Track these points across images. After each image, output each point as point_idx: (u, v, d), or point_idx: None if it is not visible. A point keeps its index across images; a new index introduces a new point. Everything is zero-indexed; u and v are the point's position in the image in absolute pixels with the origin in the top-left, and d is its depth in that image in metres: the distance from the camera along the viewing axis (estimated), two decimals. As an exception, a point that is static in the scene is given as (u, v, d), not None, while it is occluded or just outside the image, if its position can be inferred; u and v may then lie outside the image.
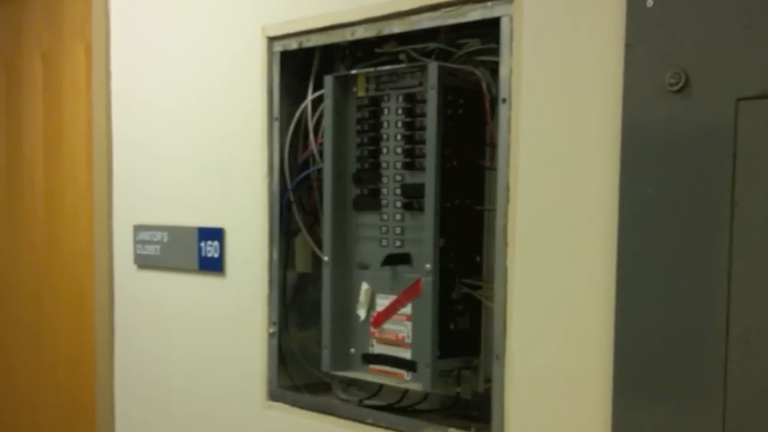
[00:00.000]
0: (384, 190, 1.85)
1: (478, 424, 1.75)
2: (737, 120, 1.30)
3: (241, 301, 2.20)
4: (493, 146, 1.73)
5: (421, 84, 1.77)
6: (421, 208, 1.76)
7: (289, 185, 2.08)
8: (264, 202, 2.10)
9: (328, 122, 1.90)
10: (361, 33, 1.87)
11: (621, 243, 1.43)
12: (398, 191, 1.82)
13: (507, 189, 1.61)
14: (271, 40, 2.06)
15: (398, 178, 1.82)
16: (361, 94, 1.88)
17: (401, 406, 1.90)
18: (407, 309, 1.80)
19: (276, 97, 2.07)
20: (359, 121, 1.88)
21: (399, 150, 1.81)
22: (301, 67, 2.07)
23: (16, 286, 3.13)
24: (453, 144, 1.74)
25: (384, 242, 1.85)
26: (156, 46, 2.45)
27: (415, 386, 1.79)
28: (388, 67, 1.83)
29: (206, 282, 2.31)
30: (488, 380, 1.73)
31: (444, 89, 1.72)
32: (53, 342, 3.00)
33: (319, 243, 2.05)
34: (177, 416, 2.44)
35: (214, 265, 2.27)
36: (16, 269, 3.12)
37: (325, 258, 1.91)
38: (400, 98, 1.81)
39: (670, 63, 1.36)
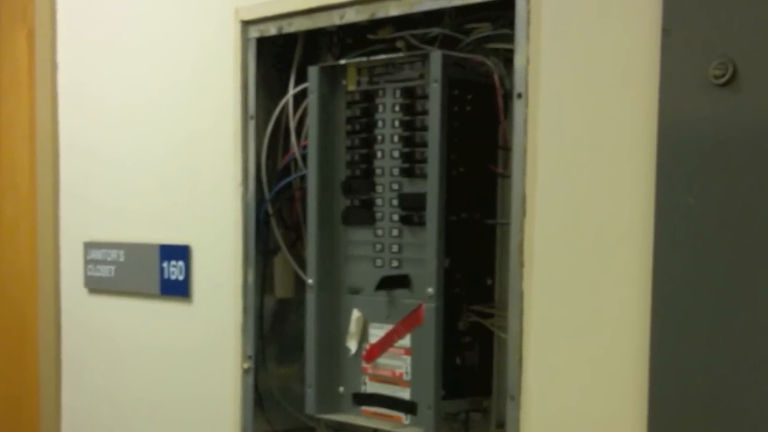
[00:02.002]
0: (378, 201, 1.85)
1: (489, 477, 1.75)
2: (794, 118, 1.31)
3: (210, 331, 2.19)
4: (507, 149, 1.72)
5: (422, 76, 1.77)
6: (422, 223, 1.75)
7: (266, 195, 2.08)
8: (237, 216, 2.10)
9: (312, 121, 1.90)
10: (351, 16, 1.87)
11: (657, 263, 1.43)
12: (395, 202, 1.82)
13: (523, 200, 1.60)
14: (246, 24, 2.06)
15: (395, 186, 1.82)
16: (351, 88, 1.88)
17: (399, 455, 1.90)
18: (406, 341, 1.80)
19: (252, 92, 2.07)
20: (349, 119, 1.88)
21: (396, 154, 1.81)
22: (281, 56, 2.07)
23: (-55, 313, 3.12)
24: (460, 147, 1.74)
25: (379, 262, 1.85)
26: (110, 32, 2.45)
27: (416, 431, 1.79)
28: (383, 57, 1.83)
29: (169, 309, 2.30)
30: (501, 424, 1.72)
31: (449, 82, 1.72)
32: (-11, 379, 2.98)
33: (302, 263, 2.05)
34: (134, 467, 2.43)
35: (178, 289, 2.26)
36: (-54, 294, 3.11)
37: (310, 281, 1.91)
38: (398, 93, 1.81)
39: (714, 51, 1.35)
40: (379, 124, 1.84)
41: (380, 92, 1.83)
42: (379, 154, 1.84)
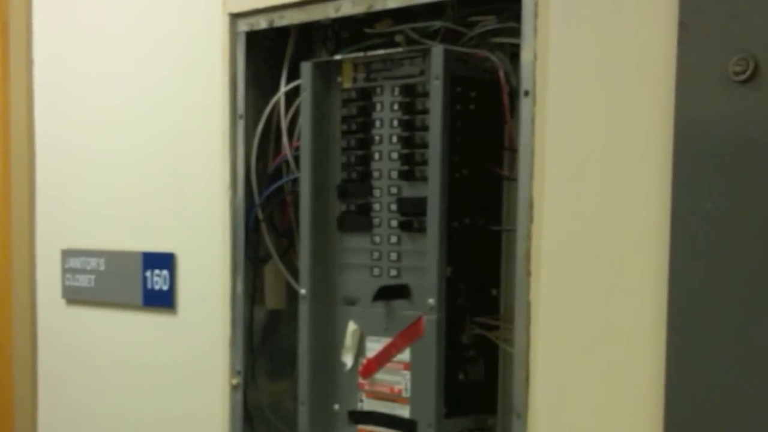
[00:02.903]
0: (376, 206, 1.84)
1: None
2: (819, 117, 1.30)
3: (196, 345, 2.19)
4: (513, 151, 1.72)
5: (422, 73, 1.77)
6: (422, 229, 1.75)
7: (257, 200, 2.07)
8: (225, 221, 2.09)
9: (305, 120, 1.89)
10: (347, 8, 1.87)
11: (673, 273, 1.42)
12: (394, 207, 1.81)
13: (530, 204, 1.60)
14: (235, 17, 2.06)
15: (394, 190, 1.81)
16: (347, 85, 1.88)
17: (398, 477, 1.90)
18: (405, 355, 1.79)
19: (241, 90, 2.07)
20: (345, 119, 1.88)
21: (395, 155, 1.81)
22: (272, 51, 2.07)
23: None
24: (462, 148, 1.74)
25: (376, 271, 1.84)
26: (90, 25, 2.44)
27: (416, 453, 1.78)
28: (381, 52, 1.83)
29: (153, 321, 2.30)
30: (507, 445, 1.72)
31: (451, 79, 1.72)
32: (-40, 396, 2.98)
33: (294, 272, 2.05)
34: (115, 490, 2.42)
35: (162, 300, 2.26)
36: None
37: (302, 291, 1.91)
38: (397, 90, 1.80)
39: (734, 46, 1.35)
40: (377, 123, 1.83)
41: (378, 90, 1.83)
42: (376, 155, 1.84)
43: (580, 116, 1.55)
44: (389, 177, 1.82)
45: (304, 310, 1.90)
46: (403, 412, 1.80)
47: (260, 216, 2.08)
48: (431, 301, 1.72)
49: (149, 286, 2.29)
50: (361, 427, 1.87)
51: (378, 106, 1.83)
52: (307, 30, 2.04)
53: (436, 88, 1.71)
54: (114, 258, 2.39)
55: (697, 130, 1.39)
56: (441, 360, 1.73)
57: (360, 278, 1.87)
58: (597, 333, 1.53)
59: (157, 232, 2.28)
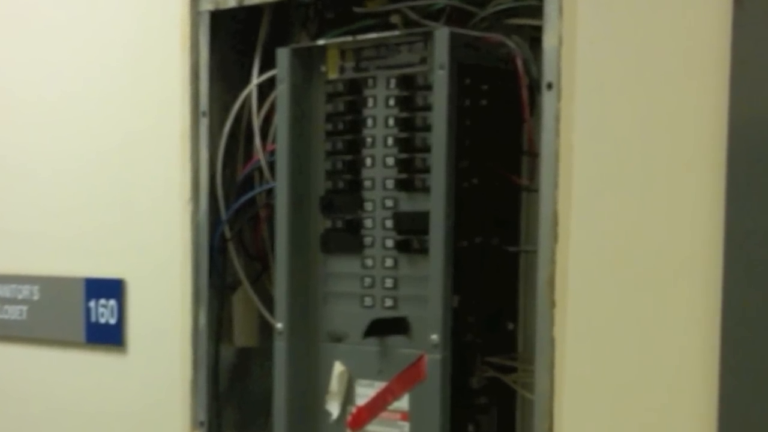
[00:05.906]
0: (368, 222, 1.84)
1: None
2: None
3: (150, 390, 2.19)
4: (534, 155, 1.72)
5: (423, 61, 1.77)
6: (424, 250, 1.75)
7: (223, 215, 2.08)
8: (185, 241, 2.10)
9: (282, 119, 1.90)
10: (332, -16, 1.88)
11: (727, 304, 1.42)
12: (389, 224, 1.82)
13: (554, 221, 1.60)
14: (197, -6, 2.07)
15: (389, 203, 1.82)
16: (333, 76, 1.88)
17: None
18: (403, 402, 1.79)
19: (204, 82, 2.07)
20: (330, 117, 1.89)
21: (390, 161, 1.81)
22: (242, 35, 2.08)
23: None
24: (472, 152, 1.74)
25: (368, 301, 1.84)
26: (22, 4, 2.44)
27: None
28: (373, 36, 1.83)
29: (98, 361, 2.30)
30: None
31: (459, 69, 1.72)
32: None
33: (269, 303, 2.05)
34: None
35: (109, 336, 2.26)
36: None
37: (279, 325, 1.91)
38: (393, 82, 1.81)
39: (801, 28, 1.36)
40: (369, 122, 1.84)
41: (370, 81, 1.84)
42: (368, 161, 1.84)
43: (614, 114, 1.55)
44: (384, 187, 1.82)
45: (280, 347, 1.90)
46: (401, 471, 1.80)
47: (228, 234, 2.09)
48: (434, 337, 1.72)
49: (93, 319, 2.29)
50: (349, 489, 1.87)
51: (370, 102, 1.84)
52: (284, 9, 2.05)
53: (440, 79, 1.71)
54: (51, 285, 2.39)
55: (755, 130, 1.39)
56: (446, 408, 1.73)
57: (348, 310, 1.87)
58: (635, 376, 1.54)
59: (103, 254, 2.28)
